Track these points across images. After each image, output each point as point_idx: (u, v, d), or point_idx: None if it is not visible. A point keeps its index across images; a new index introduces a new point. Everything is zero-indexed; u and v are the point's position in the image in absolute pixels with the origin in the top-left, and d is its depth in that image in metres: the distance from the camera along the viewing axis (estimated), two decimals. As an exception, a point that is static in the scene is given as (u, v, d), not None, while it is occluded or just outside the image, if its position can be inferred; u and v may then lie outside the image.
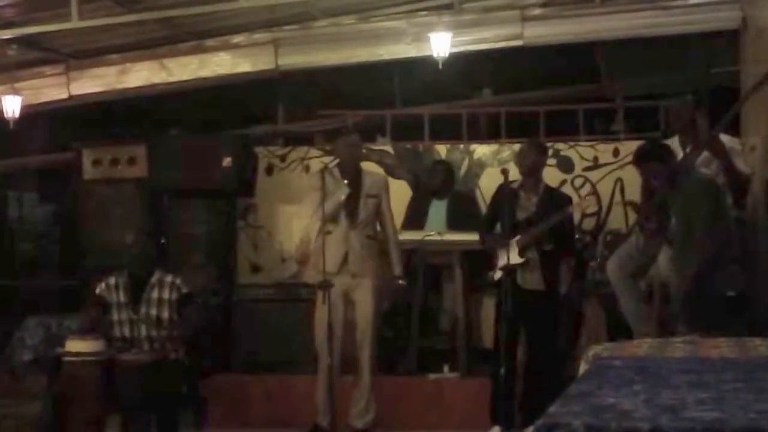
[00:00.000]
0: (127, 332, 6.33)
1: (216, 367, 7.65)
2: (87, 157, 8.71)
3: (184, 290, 6.41)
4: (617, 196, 8.11)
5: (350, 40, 8.75)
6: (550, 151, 7.50)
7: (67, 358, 5.94)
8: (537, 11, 8.39)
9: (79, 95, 9.24)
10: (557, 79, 9.55)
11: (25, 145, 9.87)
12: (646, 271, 6.52)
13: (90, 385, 5.86)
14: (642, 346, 4.66)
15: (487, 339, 7.36)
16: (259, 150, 8.73)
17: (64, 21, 7.82)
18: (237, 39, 8.96)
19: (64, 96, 9.25)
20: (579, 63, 9.27)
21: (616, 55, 8.95)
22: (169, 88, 9.13)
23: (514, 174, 6.70)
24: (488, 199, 7.32)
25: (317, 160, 8.52)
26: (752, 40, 7.81)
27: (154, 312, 6.33)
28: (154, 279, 6.38)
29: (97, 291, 6.43)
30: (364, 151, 7.59)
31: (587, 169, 8.27)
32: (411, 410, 7.23)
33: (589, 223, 8.05)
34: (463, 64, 8.48)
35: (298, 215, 7.84)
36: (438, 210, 7.89)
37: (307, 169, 8.54)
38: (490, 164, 8.41)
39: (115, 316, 6.35)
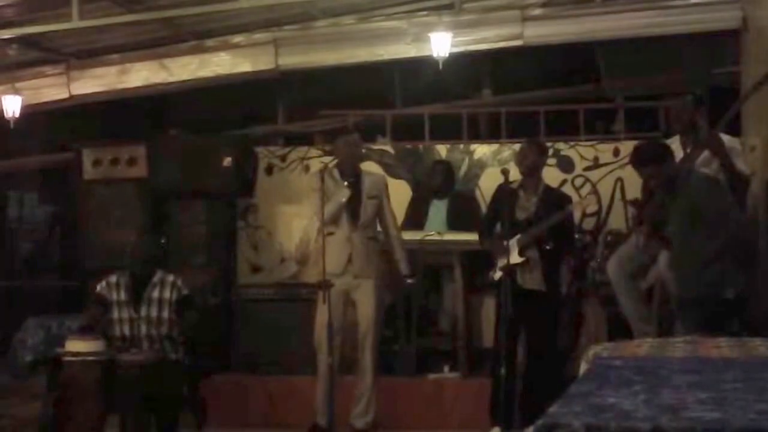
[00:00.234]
0: (127, 331, 6.34)
1: (216, 367, 7.66)
2: (87, 157, 8.70)
3: (185, 291, 6.42)
4: (618, 196, 8.13)
5: (350, 40, 8.74)
6: (550, 151, 7.49)
7: (67, 358, 5.92)
8: (537, 11, 8.38)
9: (80, 95, 9.24)
10: (557, 79, 9.55)
11: (26, 146, 9.87)
12: (646, 271, 6.52)
13: (90, 385, 5.84)
14: (642, 346, 4.65)
15: (487, 339, 7.37)
16: (259, 150, 8.74)
17: (65, 21, 7.82)
18: (237, 39, 8.96)
19: (65, 96, 9.25)
20: (579, 63, 9.27)
21: (616, 55, 8.94)
22: (169, 88, 9.13)
23: (514, 174, 6.68)
24: (488, 199, 7.32)
25: (317, 160, 8.52)
26: (752, 40, 7.81)
27: (154, 312, 6.33)
28: (155, 279, 6.39)
29: (98, 289, 6.43)
30: (364, 151, 7.60)
31: (587, 168, 8.27)
32: (411, 410, 7.23)
33: (589, 223, 8.06)
34: (463, 64, 8.49)
35: (298, 215, 7.87)
36: (438, 210, 7.89)
37: (307, 169, 8.54)
38: (490, 164, 8.41)
39: (115, 315, 6.35)
